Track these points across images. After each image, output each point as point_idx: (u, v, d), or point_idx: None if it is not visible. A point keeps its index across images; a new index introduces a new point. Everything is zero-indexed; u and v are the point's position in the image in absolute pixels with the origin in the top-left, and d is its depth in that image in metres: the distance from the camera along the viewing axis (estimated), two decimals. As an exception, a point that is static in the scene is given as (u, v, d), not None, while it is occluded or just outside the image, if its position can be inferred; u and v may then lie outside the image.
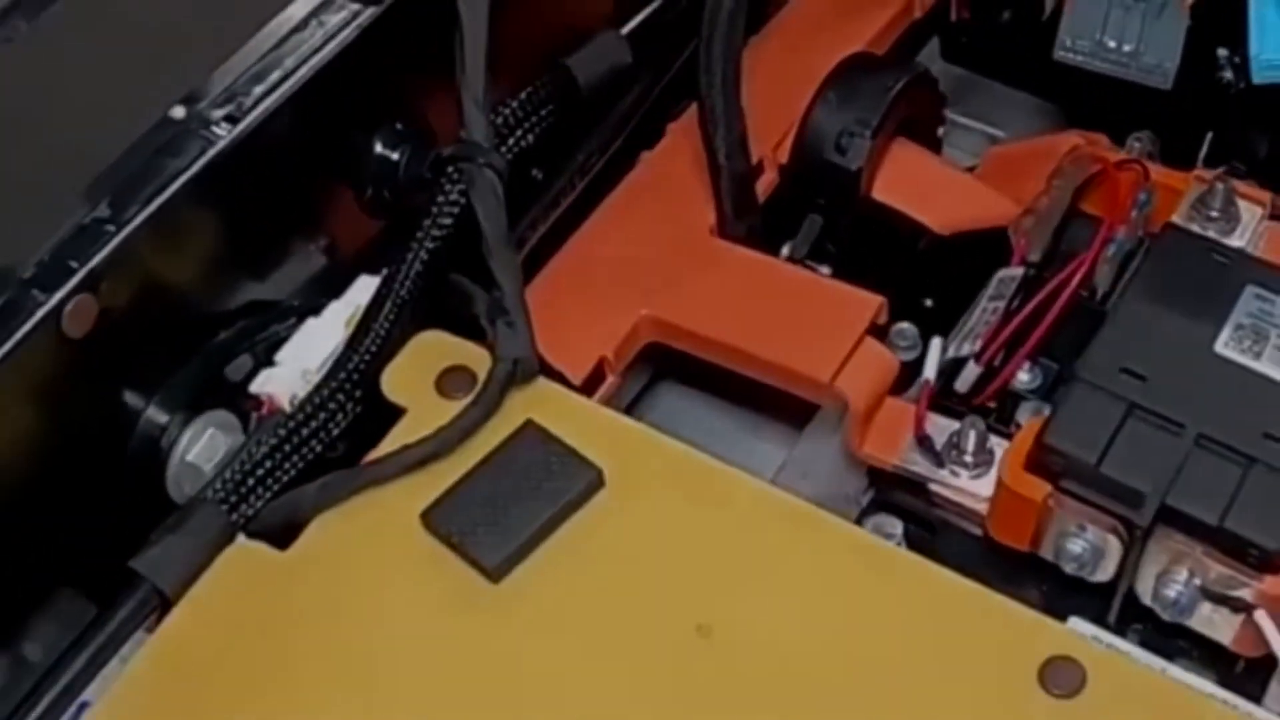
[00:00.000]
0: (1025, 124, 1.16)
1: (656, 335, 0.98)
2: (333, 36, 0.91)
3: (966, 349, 0.98)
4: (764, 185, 1.04)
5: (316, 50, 0.91)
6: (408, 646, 0.82)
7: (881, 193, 1.03)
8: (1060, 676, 0.79)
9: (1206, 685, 0.88)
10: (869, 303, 0.97)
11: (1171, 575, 0.89)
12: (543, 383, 0.89)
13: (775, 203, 1.04)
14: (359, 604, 0.84)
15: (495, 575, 0.83)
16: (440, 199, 0.91)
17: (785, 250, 1.03)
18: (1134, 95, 1.08)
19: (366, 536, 0.85)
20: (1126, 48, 0.95)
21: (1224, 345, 0.93)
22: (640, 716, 0.80)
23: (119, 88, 0.90)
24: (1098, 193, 1.02)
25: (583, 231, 1.01)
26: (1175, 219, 1.00)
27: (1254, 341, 0.93)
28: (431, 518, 0.85)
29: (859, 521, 0.96)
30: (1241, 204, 1.01)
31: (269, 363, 0.92)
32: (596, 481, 0.85)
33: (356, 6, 0.92)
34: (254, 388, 0.91)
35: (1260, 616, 0.87)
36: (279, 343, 0.92)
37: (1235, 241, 1.00)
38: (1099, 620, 0.91)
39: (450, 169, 0.91)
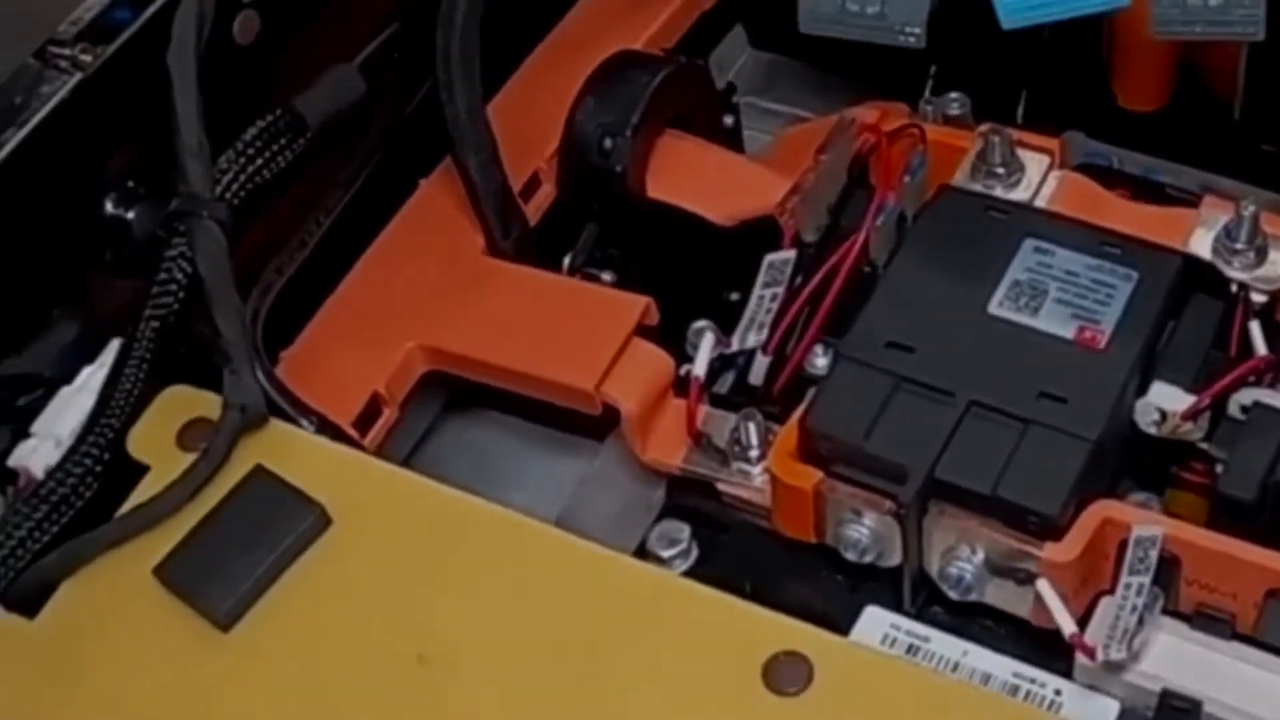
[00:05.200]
0: (838, 104, 1.11)
1: (431, 364, 0.96)
2: (41, 107, 0.90)
3: (752, 340, 0.94)
4: (542, 198, 1.01)
5: (24, 124, 0.89)
6: (145, 704, 0.80)
7: (656, 190, 1.00)
8: (785, 673, 0.75)
9: (1005, 664, 0.84)
10: (633, 304, 0.94)
11: (955, 552, 0.85)
12: (275, 426, 0.86)
13: (556, 214, 1.01)
14: (101, 664, 0.81)
15: (224, 625, 0.80)
16: (169, 254, 0.89)
17: (566, 261, 1.00)
18: (937, 57, 1.05)
19: (107, 597, 0.83)
20: (871, 10, 0.90)
21: (998, 305, 0.89)
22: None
23: None
24: (878, 164, 0.98)
25: (358, 267, 0.99)
26: (957, 179, 0.96)
27: (1031, 297, 0.89)
28: (164, 572, 0.82)
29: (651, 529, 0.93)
30: (1025, 155, 0.96)
31: (25, 435, 0.90)
32: (321, 521, 0.82)
33: (66, 77, 0.90)
34: (10, 462, 0.89)
35: (1042, 586, 0.82)
36: (30, 413, 0.91)
37: (1019, 195, 0.95)
38: (898, 607, 0.88)
39: (176, 223, 0.89)
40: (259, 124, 0.93)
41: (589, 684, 0.77)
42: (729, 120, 1.07)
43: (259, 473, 0.84)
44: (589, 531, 0.91)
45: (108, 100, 0.91)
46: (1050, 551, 0.82)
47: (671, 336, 0.96)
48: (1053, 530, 0.82)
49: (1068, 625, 0.81)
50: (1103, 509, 0.83)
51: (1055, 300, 0.89)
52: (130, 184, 0.93)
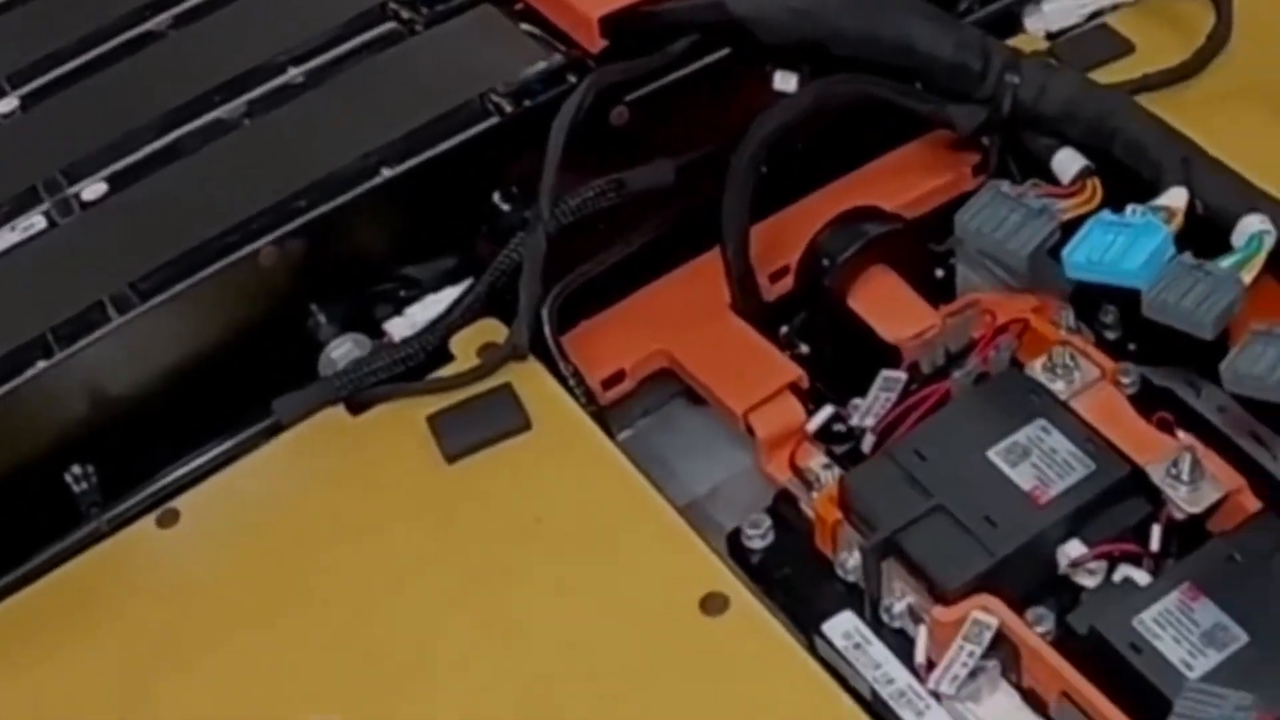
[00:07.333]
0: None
1: (664, 363, 1.44)
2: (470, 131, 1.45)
3: (867, 422, 1.39)
4: (785, 284, 1.48)
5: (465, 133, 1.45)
6: (397, 482, 1.35)
7: (853, 303, 1.45)
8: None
9: (905, 674, 1.26)
10: (793, 370, 1.40)
11: (894, 591, 1.29)
12: (531, 362, 1.38)
13: (789, 297, 1.48)
14: (380, 452, 1.36)
15: (450, 459, 1.33)
16: (513, 241, 1.41)
17: (783, 329, 1.47)
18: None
19: (398, 420, 1.37)
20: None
21: (995, 453, 1.30)
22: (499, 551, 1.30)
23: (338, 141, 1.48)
24: (986, 335, 1.41)
25: (646, 289, 1.48)
26: (1030, 366, 1.37)
27: (1018, 456, 1.30)
28: (432, 420, 1.35)
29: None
30: (1084, 363, 1.36)
31: (399, 313, 1.44)
32: (524, 425, 1.34)
33: (492, 117, 1.46)
34: (385, 325, 1.44)
35: (920, 629, 1.25)
36: (409, 302, 1.45)
37: (1063, 388, 1.36)
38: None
39: (526, 224, 1.42)
40: (596, 183, 1.43)
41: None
42: (940, 273, 1.51)
43: (506, 386, 1.36)
44: (727, 500, 1.41)
45: (512, 136, 1.44)
46: (937, 612, 1.25)
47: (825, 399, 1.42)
48: (944, 598, 1.25)
49: (919, 656, 1.24)
50: (982, 600, 1.24)
51: (1031, 463, 1.30)
52: (512, 189, 1.46)
